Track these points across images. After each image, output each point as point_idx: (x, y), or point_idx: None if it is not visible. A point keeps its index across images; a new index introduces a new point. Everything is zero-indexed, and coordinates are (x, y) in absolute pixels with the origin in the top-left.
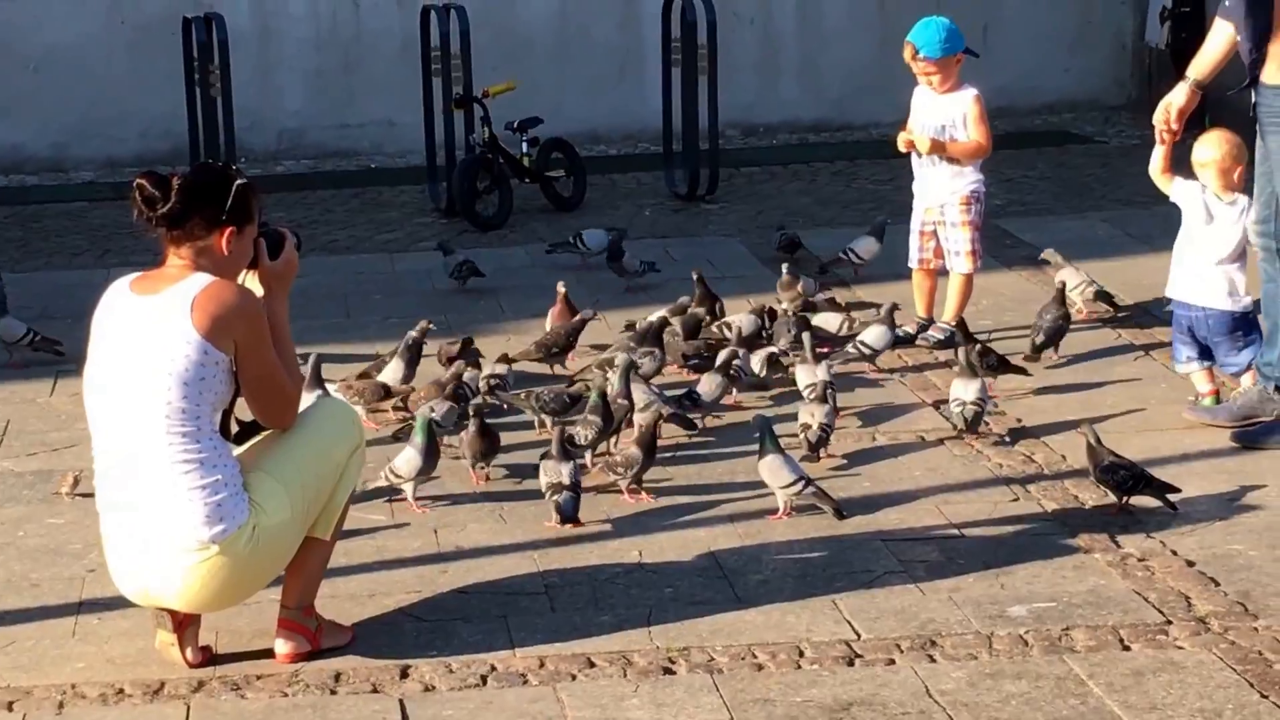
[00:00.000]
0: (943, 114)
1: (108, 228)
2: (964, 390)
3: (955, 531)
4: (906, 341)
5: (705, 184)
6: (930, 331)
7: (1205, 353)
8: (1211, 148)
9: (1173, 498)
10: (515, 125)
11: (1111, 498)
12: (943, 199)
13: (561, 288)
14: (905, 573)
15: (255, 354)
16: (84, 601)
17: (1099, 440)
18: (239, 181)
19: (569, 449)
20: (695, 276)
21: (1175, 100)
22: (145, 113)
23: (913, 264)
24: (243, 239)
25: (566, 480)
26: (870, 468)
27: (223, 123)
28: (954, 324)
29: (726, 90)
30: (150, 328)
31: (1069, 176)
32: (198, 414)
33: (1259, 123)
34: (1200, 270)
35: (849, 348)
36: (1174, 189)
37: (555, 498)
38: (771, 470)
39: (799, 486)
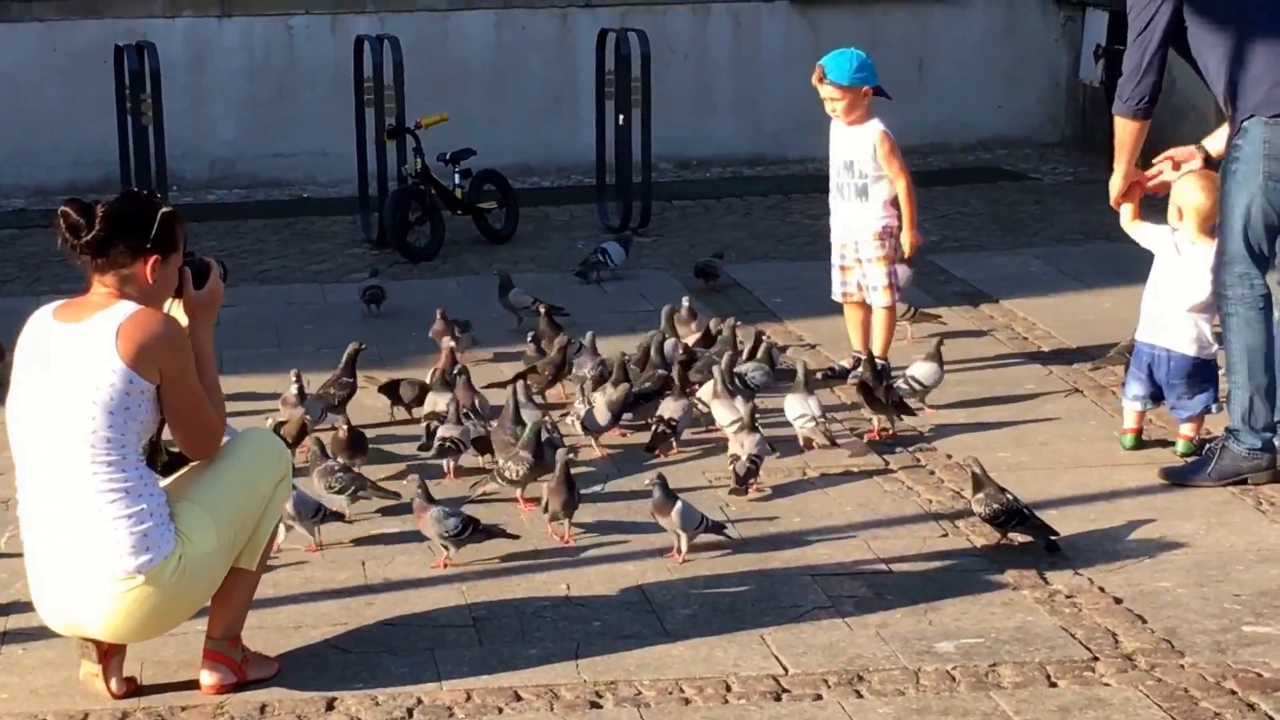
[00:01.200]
0: (849, 148)
1: (38, 255)
2: (804, 405)
3: (884, 567)
4: (840, 376)
5: (638, 217)
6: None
7: (1155, 396)
8: (1198, 192)
9: (1097, 530)
10: (448, 157)
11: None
12: (856, 235)
13: (449, 342)
14: (833, 608)
15: (180, 383)
16: (8, 631)
17: (984, 472)
18: (164, 210)
19: (429, 493)
20: (542, 311)
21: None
22: (77, 141)
23: (836, 297)
24: (167, 267)
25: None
26: (800, 501)
27: (154, 151)
28: (883, 357)
29: (660, 124)
30: (75, 356)
31: (1003, 213)
32: (123, 443)
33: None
34: (1168, 314)
35: (899, 384)
36: (1143, 234)
37: (453, 536)
38: (683, 517)
39: (703, 527)
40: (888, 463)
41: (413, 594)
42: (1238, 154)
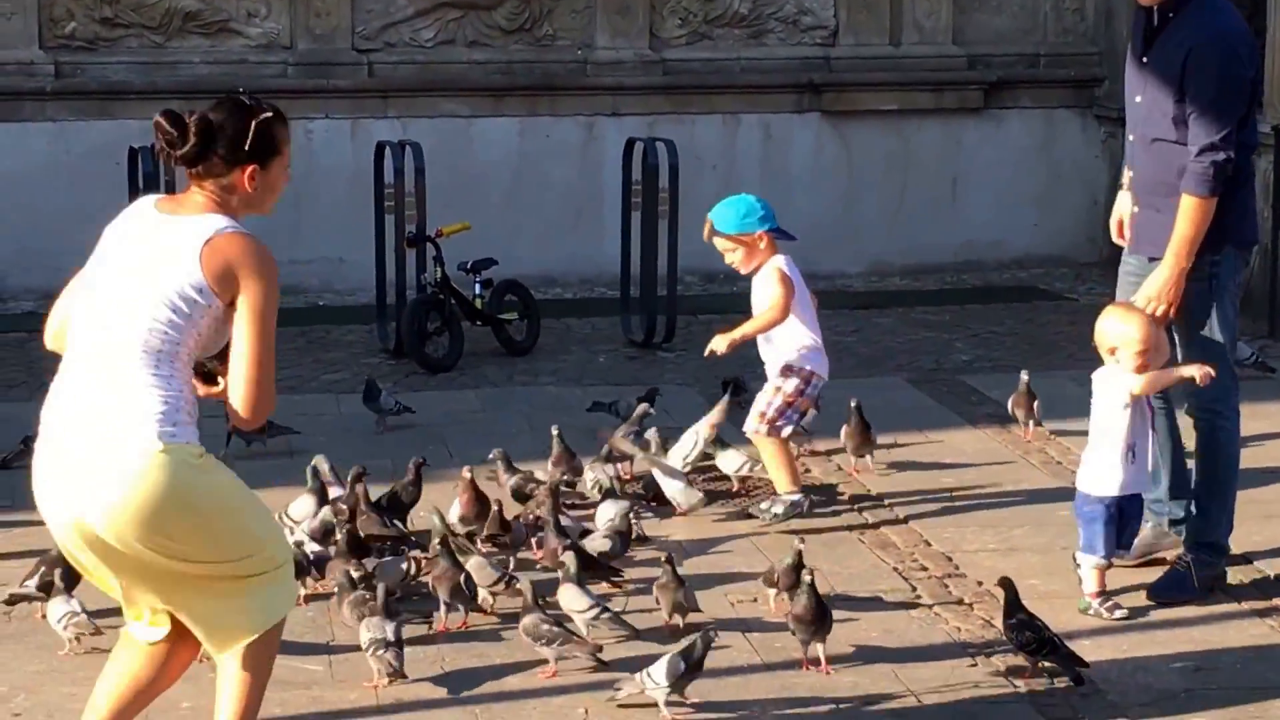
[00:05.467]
0: (755, 299)
1: (46, 360)
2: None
3: (913, 699)
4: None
5: (662, 331)
6: (770, 504)
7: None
8: (1129, 325)
9: (1130, 660)
10: (469, 266)
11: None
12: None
13: (467, 473)
14: None
15: (251, 315)
16: None
17: (1016, 597)
18: (260, 117)
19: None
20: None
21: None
22: (87, 243)
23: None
24: (269, 174)
25: (391, 636)
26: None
27: None
28: (798, 490)
29: (687, 236)
30: (159, 247)
31: (1036, 333)
32: (177, 342)
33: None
34: (1113, 457)
35: None
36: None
37: (381, 653)
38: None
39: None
40: (915, 589)
41: (424, 715)
42: (1220, 276)
